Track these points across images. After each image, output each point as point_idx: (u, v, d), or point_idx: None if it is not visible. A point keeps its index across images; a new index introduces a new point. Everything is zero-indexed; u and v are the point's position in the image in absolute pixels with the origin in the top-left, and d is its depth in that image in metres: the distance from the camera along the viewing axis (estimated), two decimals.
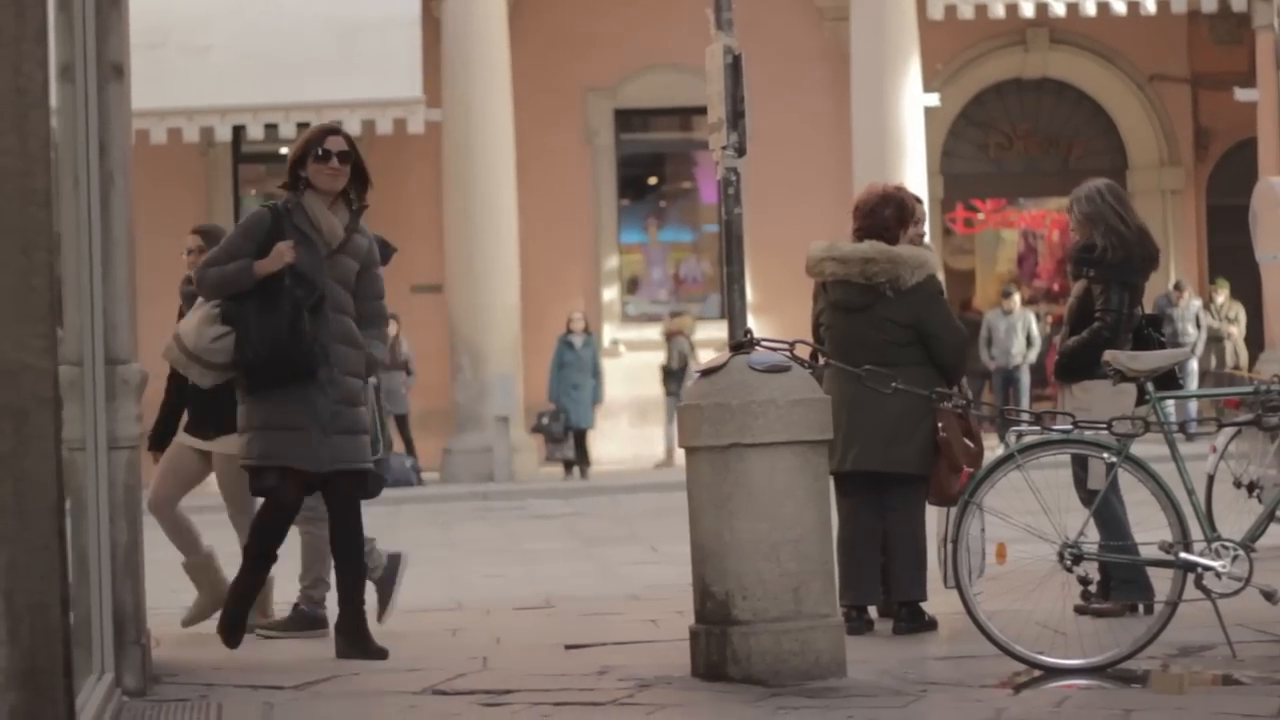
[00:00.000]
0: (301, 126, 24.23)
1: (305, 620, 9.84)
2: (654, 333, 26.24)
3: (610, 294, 27.29)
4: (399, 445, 24.75)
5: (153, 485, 9.84)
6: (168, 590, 11.65)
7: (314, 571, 9.89)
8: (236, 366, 8.69)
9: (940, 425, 9.21)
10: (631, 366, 26.09)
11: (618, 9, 26.47)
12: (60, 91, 7.33)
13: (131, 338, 7.73)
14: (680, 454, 8.29)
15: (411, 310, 24.34)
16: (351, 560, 8.86)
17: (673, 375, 25.15)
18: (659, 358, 25.50)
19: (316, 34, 24.01)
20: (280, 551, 8.97)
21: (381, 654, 8.71)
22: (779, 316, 23.05)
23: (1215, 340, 26.68)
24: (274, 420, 8.62)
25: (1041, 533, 8.03)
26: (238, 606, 8.92)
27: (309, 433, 8.60)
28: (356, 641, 8.80)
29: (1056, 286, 28.22)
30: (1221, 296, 26.74)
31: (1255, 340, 26.18)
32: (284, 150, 26.62)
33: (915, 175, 23.83)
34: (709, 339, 24.78)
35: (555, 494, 22.62)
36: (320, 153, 8.79)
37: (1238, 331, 26.70)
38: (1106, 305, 9.72)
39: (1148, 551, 8.54)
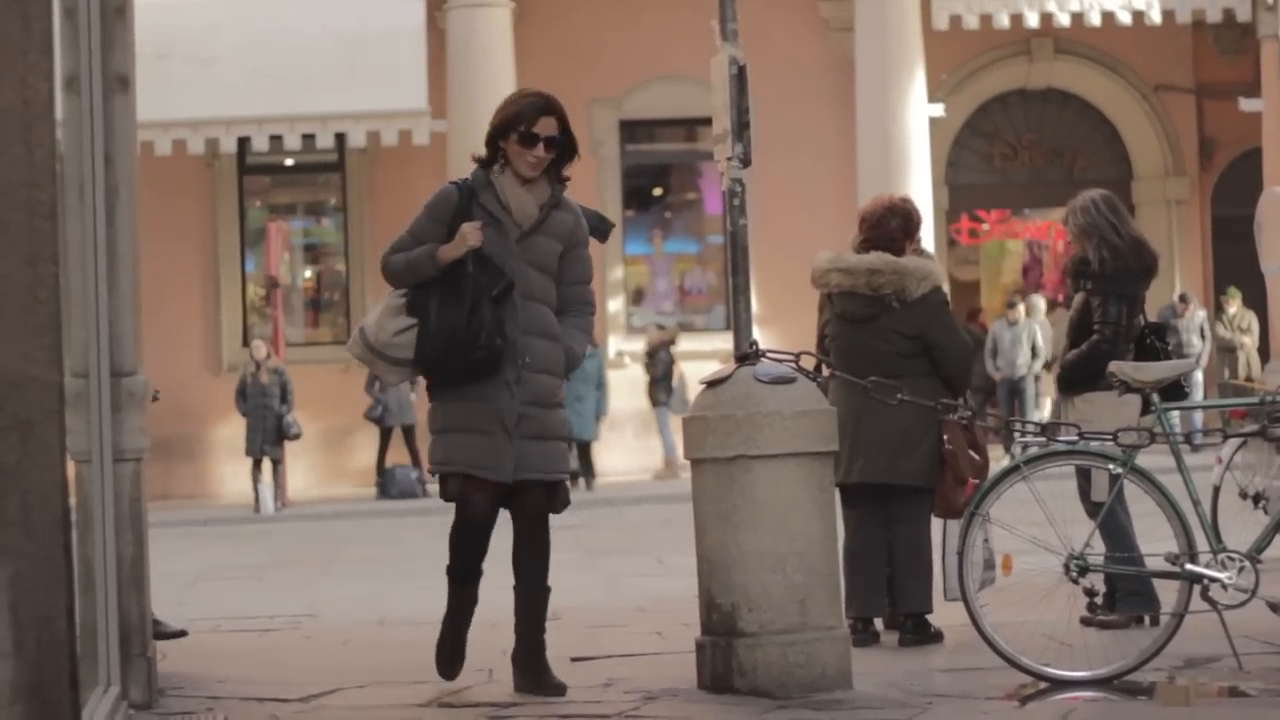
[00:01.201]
0: (307, 138, 24.33)
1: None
2: None
3: (615, 305, 27.25)
4: (405, 457, 24.76)
5: None
6: (174, 603, 11.66)
7: None
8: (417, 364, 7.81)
9: (945, 437, 9.20)
10: (636, 378, 26.04)
11: (623, 20, 26.47)
12: (66, 103, 7.33)
13: (137, 350, 7.72)
14: (682, 462, 8.25)
15: None
16: (535, 585, 8.05)
17: (659, 385, 25.13)
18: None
19: (321, 45, 24.02)
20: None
21: (561, 689, 7.91)
22: (784, 328, 23.01)
23: (1227, 351, 26.59)
24: (456, 423, 7.76)
25: (1047, 544, 8.02)
26: (455, 636, 8.12)
27: (494, 437, 7.70)
28: (538, 677, 7.98)
29: (1061, 297, 28.20)
30: (1234, 306, 26.66)
31: (1261, 350, 26.14)
32: (289, 162, 26.80)
33: (920, 186, 23.81)
34: (714, 350, 24.73)
35: None
36: (527, 133, 7.80)
37: (1250, 342, 26.60)
38: (1104, 317, 9.71)
39: (1153, 563, 8.53)
